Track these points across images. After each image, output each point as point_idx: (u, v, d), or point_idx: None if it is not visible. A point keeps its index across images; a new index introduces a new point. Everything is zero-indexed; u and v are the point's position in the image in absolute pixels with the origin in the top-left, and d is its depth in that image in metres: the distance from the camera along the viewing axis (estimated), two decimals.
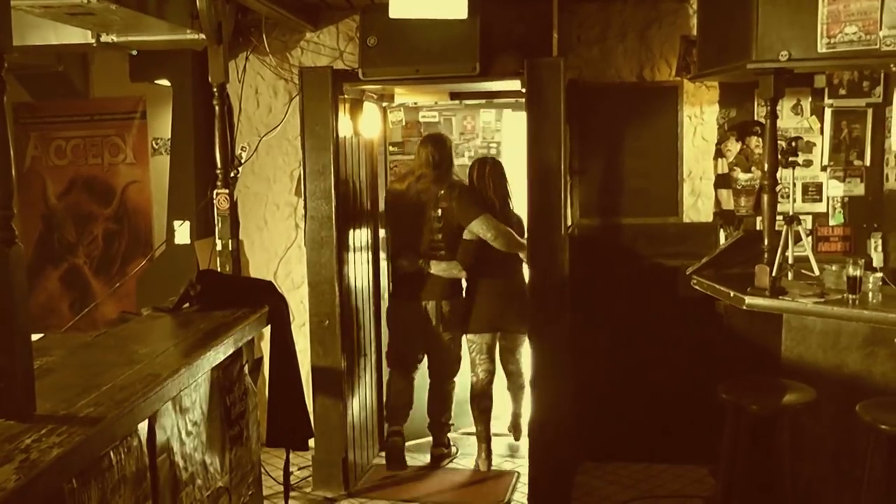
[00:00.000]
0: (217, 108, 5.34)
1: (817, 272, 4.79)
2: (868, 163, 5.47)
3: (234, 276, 5.42)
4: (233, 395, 3.85)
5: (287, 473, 4.57)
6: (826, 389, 4.27)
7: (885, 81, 5.37)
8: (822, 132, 5.48)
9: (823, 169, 5.51)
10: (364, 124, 5.69)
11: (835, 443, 4.40)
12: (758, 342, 4.91)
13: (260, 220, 6.07)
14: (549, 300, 5.12)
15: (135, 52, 5.69)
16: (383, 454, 6.00)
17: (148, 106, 6.36)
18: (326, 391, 5.37)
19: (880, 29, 4.23)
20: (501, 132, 6.90)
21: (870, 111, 5.43)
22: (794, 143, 4.92)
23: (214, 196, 5.38)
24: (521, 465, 5.61)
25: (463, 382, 5.97)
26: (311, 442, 4.95)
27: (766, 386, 4.43)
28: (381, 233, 6.05)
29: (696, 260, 5.32)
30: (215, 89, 5.33)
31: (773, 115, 4.74)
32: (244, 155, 5.94)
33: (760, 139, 5.42)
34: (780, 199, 4.99)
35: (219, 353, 3.53)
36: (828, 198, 5.53)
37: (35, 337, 3.08)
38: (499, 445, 6.09)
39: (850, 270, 4.36)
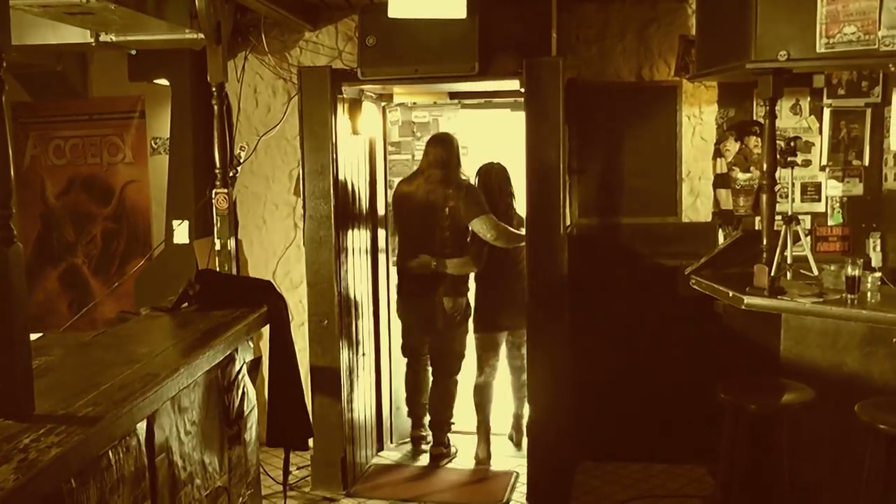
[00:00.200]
0: (216, 107, 5.35)
1: (816, 272, 4.80)
2: (867, 163, 5.47)
3: (233, 276, 5.43)
4: (231, 395, 3.85)
5: (286, 473, 4.57)
6: (825, 389, 4.27)
7: (883, 81, 5.37)
8: (820, 132, 5.49)
9: (822, 169, 5.52)
10: (363, 124, 5.69)
11: (833, 442, 4.41)
12: (756, 342, 4.91)
13: (259, 220, 6.07)
14: (548, 300, 5.12)
15: (134, 52, 5.70)
16: (382, 454, 6.01)
17: (147, 105, 6.36)
18: (325, 391, 5.37)
19: (879, 29, 4.23)
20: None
21: (868, 111, 5.43)
22: (792, 143, 4.92)
23: (213, 196, 5.38)
24: (520, 465, 5.61)
25: (465, 382, 6.00)
26: (311, 441, 4.96)
27: (764, 385, 4.43)
28: (381, 232, 6.05)
29: (695, 260, 5.33)
30: (214, 89, 5.34)
31: (771, 115, 4.75)
32: (243, 154, 5.94)
33: (759, 139, 5.43)
34: (778, 199, 5.00)
35: (217, 353, 3.53)
36: (826, 198, 5.53)
37: (34, 336, 3.08)
38: (498, 445, 6.10)
39: (849, 270, 4.36)
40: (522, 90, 5.10)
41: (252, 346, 4.30)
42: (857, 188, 5.50)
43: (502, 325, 5.85)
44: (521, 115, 5.19)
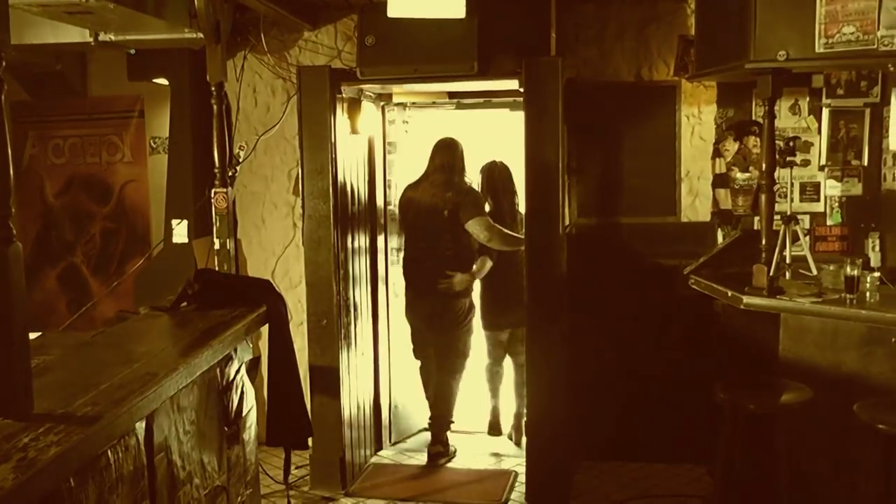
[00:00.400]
0: (215, 107, 5.35)
1: (815, 272, 4.80)
2: (866, 162, 5.47)
3: (232, 276, 5.43)
4: (230, 395, 3.85)
5: (287, 472, 4.57)
6: (823, 389, 4.27)
7: (882, 81, 5.37)
8: (819, 132, 5.49)
9: (821, 169, 5.52)
10: (362, 123, 5.69)
11: (832, 442, 4.41)
12: (755, 341, 4.91)
13: (258, 220, 6.07)
14: (547, 300, 5.12)
15: (133, 51, 5.68)
16: (381, 453, 6.01)
17: (146, 105, 6.36)
18: (324, 390, 5.37)
19: (878, 29, 4.23)
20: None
21: (867, 111, 5.43)
22: (791, 143, 4.93)
23: (212, 195, 5.38)
24: (519, 465, 5.61)
25: (467, 383, 6.10)
26: (310, 441, 4.96)
27: (763, 385, 4.44)
28: (380, 232, 6.05)
29: (694, 259, 5.33)
30: (213, 88, 5.34)
31: (770, 115, 4.75)
32: (242, 154, 5.94)
33: (758, 139, 5.43)
34: (777, 199, 5.01)
35: (217, 353, 3.53)
36: (825, 197, 5.53)
37: (33, 336, 3.08)
38: (497, 445, 6.13)
39: (848, 270, 4.37)
40: (521, 90, 5.11)
41: (251, 345, 4.30)
42: (856, 188, 5.50)
43: (504, 322, 6.03)
44: (519, 115, 5.20)
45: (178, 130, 5.94)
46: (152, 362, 3.16)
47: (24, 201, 6.41)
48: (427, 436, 6.11)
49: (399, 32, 5.08)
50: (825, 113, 5.46)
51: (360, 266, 5.78)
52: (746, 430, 4.30)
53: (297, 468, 5.53)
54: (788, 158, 4.91)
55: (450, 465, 5.85)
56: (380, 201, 6.06)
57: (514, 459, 5.81)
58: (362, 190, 5.82)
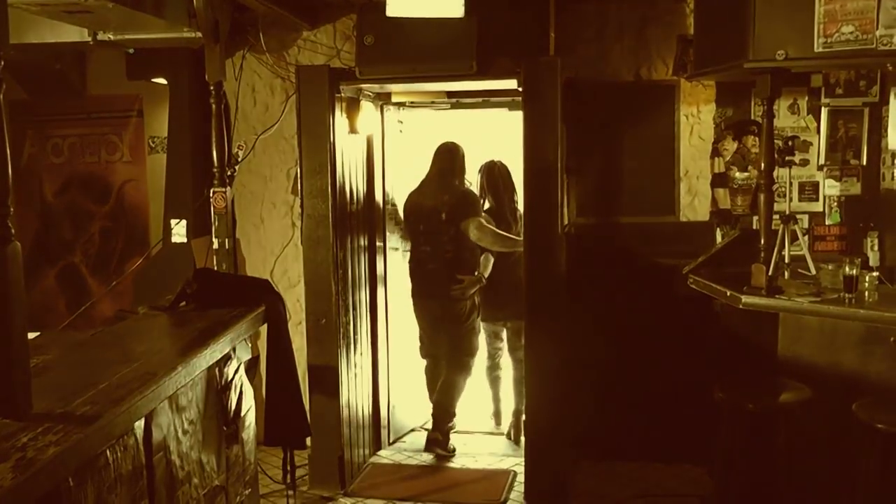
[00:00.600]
0: (214, 106, 5.35)
1: (814, 271, 4.80)
2: (864, 162, 5.47)
3: (231, 275, 5.43)
4: (229, 394, 3.85)
5: (289, 471, 4.56)
6: (822, 388, 4.28)
7: (881, 81, 5.36)
8: (818, 131, 5.49)
9: (820, 168, 5.52)
10: (361, 123, 5.69)
11: (831, 441, 4.41)
12: (754, 341, 4.91)
13: (256, 219, 6.07)
14: (546, 299, 5.12)
15: (131, 51, 5.69)
16: (380, 453, 6.02)
17: (145, 104, 6.36)
18: (323, 390, 5.37)
19: (877, 28, 4.23)
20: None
21: (866, 110, 5.43)
22: (790, 143, 4.93)
23: (211, 194, 5.38)
24: (518, 465, 5.61)
25: (472, 383, 6.19)
26: (308, 440, 4.96)
27: (762, 385, 4.44)
28: (379, 231, 6.06)
29: (693, 259, 5.32)
30: (212, 87, 5.34)
31: (769, 115, 4.75)
32: (241, 153, 5.94)
33: (757, 138, 5.43)
34: (776, 199, 5.01)
35: (215, 352, 3.54)
36: (824, 197, 5.53)
37: (31, 335, 3.08)
38: (497, 444, 6.13)
39: (847, 269, 4.37)
40: (520, 89, 5.11)
41: (250, 345, 4.30)
42: (855, 187, 5.50)
43: (500, 315, 6.18)
44: (516, 115, 5.20)
45: (177, 130, 5.94)
46: (151, 362, 3.16)
47: (23, 200, 6.41)
48: (422, 436, 6.19)
49: (398, 32, 5.08)
50: (824, 112, 5.46)
51: (359, 265, 5.78)
52: (745, 429, 4.31)
53: (295, 468, 5.53)
54: (787, 158, 4.91)
55: (449, 464, 5.86)
56: (379, 200, 6.06)
57: (513, 459, 5.81)
58: (361, 189, 5.81)
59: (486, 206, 6.15)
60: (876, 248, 5.40)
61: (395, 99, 6.12)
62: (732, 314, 5.01)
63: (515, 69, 5.08)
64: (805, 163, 5.47)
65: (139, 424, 2.85)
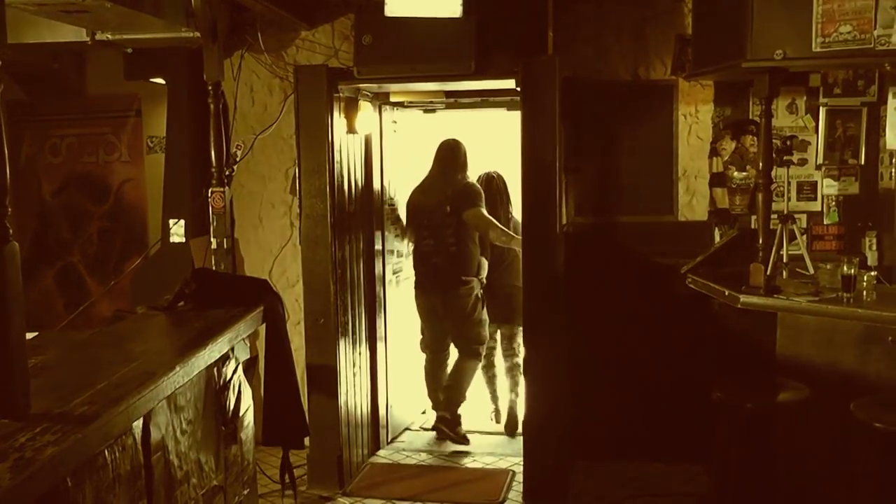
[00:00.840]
0: (212, 106, 5.35)
1: (812, 271, 4.80)
2: (862, 161, 5.46)
3: (229, 275, 5.43)
4: (227, 394, 3.85)
5: (287, 471, 4.56)
6: (820, 387, 4.28)
7: (879, 80, 5.37)
8: (816, 131, 5.48)
9: (818, 168, 5.52)
10: (359, 123, 5.69)
11: (829, 441, 4.41)
12: (752, 340, 4.91)
13: (255, 219, 6.07)
14: (544, 298, 5.12)
15: (130, 50, 5.68)
16: (379, 453, 6.02)
17: (143, 104, 6.36)
18: (321, 389, 5.37)
19: (875, 28, 4.24)
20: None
21: (864, 110, 5.43)
22: (788, 142, 4.94)
23: (209, 194, 5.38)
24: (517, 464, 5.61)
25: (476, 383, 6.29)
26: (306, 440, 4.96)
27: (760, 384, 4.44)
28: (377, 231, 6.06)
29: (691, 258, 5.33)
30: (210, 87, 5.34)
31: (767, 114, 4.76)
32: (239, 153, 5.94)
33: (755, 138, 5.43)
34: (774, 198, 5.01)
35: (214, 352, 3.53)
36: (822, 196, 5.53)
37: (30, 335, 3.08)
38: (495, 444, 6.15)
39: (845, 269, 4.37)
40: (518, 89, 5.11)
41: (248, 344, 4.29)
42: (853, 187, 5.50)
43: (493, 319, 6.33)
44: (511, 115, 5.21)
45: (176, 130, 5.94)
46: (149, 362, 3.16)
47: (21, 200, 6.40)
48: (420, 435, 6.28)
49: (396, 31, 5.08)
50: (822, 112, 5.46)
51: (358, 265, 5.78)
52: (743, 428, 4.31)
53: (294, 468, 5.52)
54: (785, 157, 4.91)
55: (447, 464, 5.86)
56: (377, 200, 6.06)
57: (512, 458, 5.81)
58: (360, 189, 5.81)
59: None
60: (874, 247, 5.40)
61: (393, 99, 6.12)
62: (730, 313, 5.01)
63: (514, 69, 5.08)
64: (803, 162, 5.47)
65: (137, 424, 2.85)
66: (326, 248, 5.31)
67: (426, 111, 6.75)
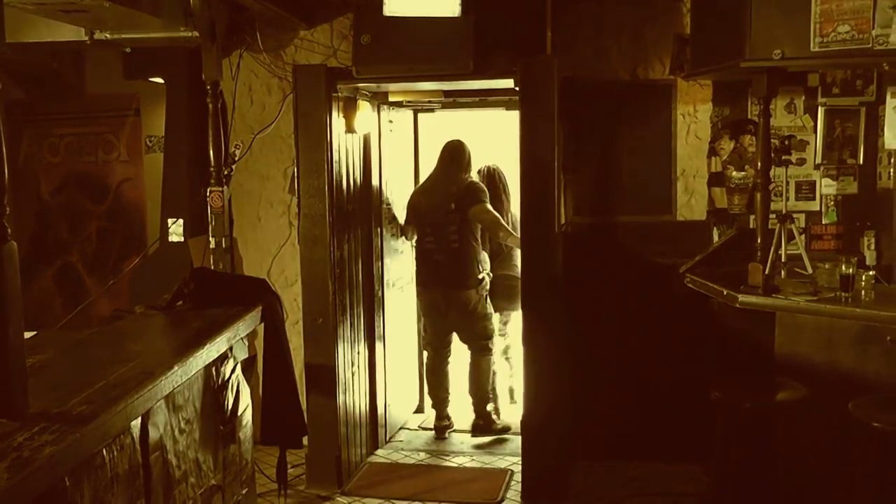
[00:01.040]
0: (211, 105, 5.36)
1: (810, 270, 4.80)
2: (861, 161, 5.47)
3: (228, 274, 5.43)
4: (226, 393, 3.85)
5: (283, 470, 4.57)
6: (819, 387, 4.28)
7: (878, 80, 5.37)
8: (815, 131, 5.48)
9: (817, 167, 5.51)
10: (358, 122, 5.69)
11: (827, 440, 4.41)
12: (751, 340, 4.91)
13: (254, 218, 6.07)
14: (543, 298, 5.12)
15: (128, 50, 5.68)
16: (377, 452, 6.02)
17: (142, 103, 6.36)
18: (320, 389, 5.37)
19: (873, 28, 4.24)
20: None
21: (863, 110, 5.42)
22: (787, 142, 4.93)
23: (208, 194, 5.38)
24: (516, 464, 5.61)
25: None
26: (305, 440, 4.96)
27: (758, 383, 4.44)
28: (376, 230, 6.06)
29: (690, 258, 5.33)
30: (209, 87, 5.34)
31: (766, 114, 4.75)
32: (238, 153, 5.94)
33: (754, 137, 5.43)
34: (773, 198, 5.01)
35: (212, 352, 3.54)
36: (821, 196, 5.53)
37: (28, 335, 3.08)
38: (494, 443, 6.18)
39: (843, 268, 4.37)
40: (517, 89, 5.11)
41: (246, 344, 4.29)
42: (852, 186, 5.50)
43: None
44: (508, 115, 5.21)
45: (174, 129, 5.94)
46: (148, 361, 3.16)
47: (20, 200, 6.41)
48: (419, 435, 6.30)
49: (395, 31, 5.08)
50: (820, 111, 5.46)
51: (356, 264, 5.78)
52: (742, 428, 4.31)
53: (293, 467, 5.51)
54: (784, 157, 4.91)
55: (446, 463, 5.86)
56: (376, 199, 6.06)
57: (511, 458, 5.81)
58: (358, 188, 5.81)
59: None
60: (872, 246, 5.40)
61: (392, 98, 6.12)
62: (729, 313, 5.01)
63: (512, 68, 5.08)
64: (802, 162, 5.47)
65: (136, 424, 2.85)
66: (325, 247, 5.31)
67: (424, 111, 6.75)
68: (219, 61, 5.35)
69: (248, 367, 4.22)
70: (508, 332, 6.60)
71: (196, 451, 3.45)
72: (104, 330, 4.09)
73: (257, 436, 4.39)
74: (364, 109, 5.79)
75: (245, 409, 4.11)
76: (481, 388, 6.33)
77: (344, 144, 5.54)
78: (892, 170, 5.33)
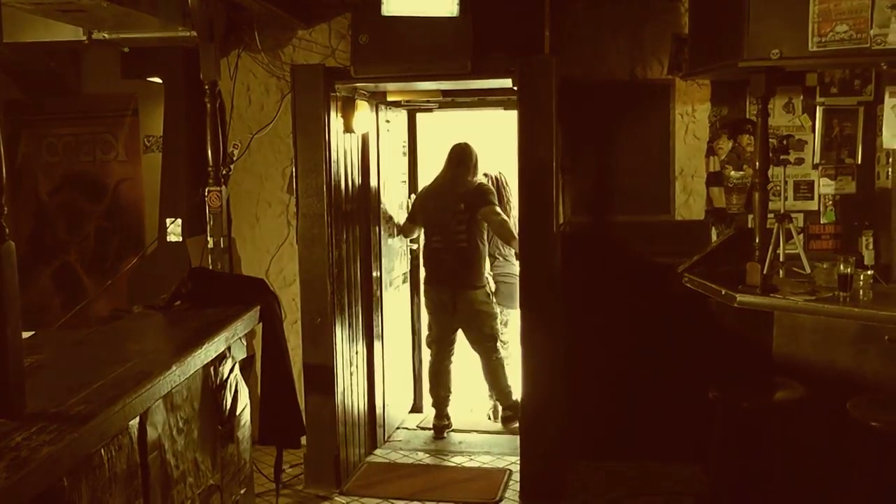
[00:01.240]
0: (209, 105, 5.36)
1: (808, 270, 4.80)
2: (859, 161, 5.47)
3: (226, 274, 5.44)
4: (224, 393, 3.85)
5: (279, 471, 4.57)
6: (817, 386, 4.29)
7: (876, 80, 5.36)
8: (813, 130, 5.48)
9: (815, 167, 5.51)
10: (356, 122, 5.69)
11: (825, 440, 4.42)
12: (749, 340, 4.91)
13: (252, 218, 6.07)
14: (541, 297, 5.13)
15: (126, 50, 5.67)
16: (376, 452, 6.02)
17: (140, 103, 6.35)
18: (318, 389, 5.37)
19: (871, 27, 4.24)
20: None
21: (861, 109, 5.42)
22: (785, 141, 4.94)
23: (206, 194, 5.38)
24: (514, 463, 5.61)
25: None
26: (303, 439, 4.96)
27: (756, 383, 4.45)
28: (374, 230, 6.06)
29: (688, 258, 5.33)
30: (207, 87, 5.34)
31: (764, 113, 4.75)
32: (236, 153, 5.94)
33: (752, 137, 5.43)
34: (771, 197, 5.00)
35: (210, 351, 3.53)
36: (819, 196, 5.53)
37: (26, 334, 3.08)
38: (493, 443, 6.16)
39: (841, 268, 4.37)
40: (515, 88, 5.11)
41: (245, 344, 4.29)
42: (850, 186, 5.50)
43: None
44: (506, 115, 5.21)
45: (172, 129, 5.94)
46: (146, 361, 3.16)
47: (18, 200, 6.41)
48: (417, 434, 6.31)
49: (393, 31, 5.08)
50: (819, 111, 5.46)
51: (355, 264, 5.78)
52: (740, 427, 4.31)
53: (291, 467, 5.53)
54: (782, 157, 4.91)
55: (444, 463, 5.86)
56: (374, 199, 6.06)
57: (509, 457, 5.81)
58: (357, 188, 5.81)
59: None
60: (870, 246, 5.39)
61: (390, 98, 6.12)
62: (727, 313, 5.02)
63: (510, 68, 5.08)
64: (800, 161, 5.47)
65: (134, 423, 2.85)
66: (323, 247, 5.31)
67: (422, 111, 6.75)
68: (217, 61, 5.35)
69: (246, 366, 4.21)
70: (507, 332, 6.61)
71: (194, 451, 3.45)
72: (102, 330, 4.09)
73: (256, 435, 4.38)
74: (362, 109, 5.78)
75: (243, 409, 4.11)
76: (500, 385, 6.40)
77: (342, 144, 5.54)
78: (890, 169, 5.33)
